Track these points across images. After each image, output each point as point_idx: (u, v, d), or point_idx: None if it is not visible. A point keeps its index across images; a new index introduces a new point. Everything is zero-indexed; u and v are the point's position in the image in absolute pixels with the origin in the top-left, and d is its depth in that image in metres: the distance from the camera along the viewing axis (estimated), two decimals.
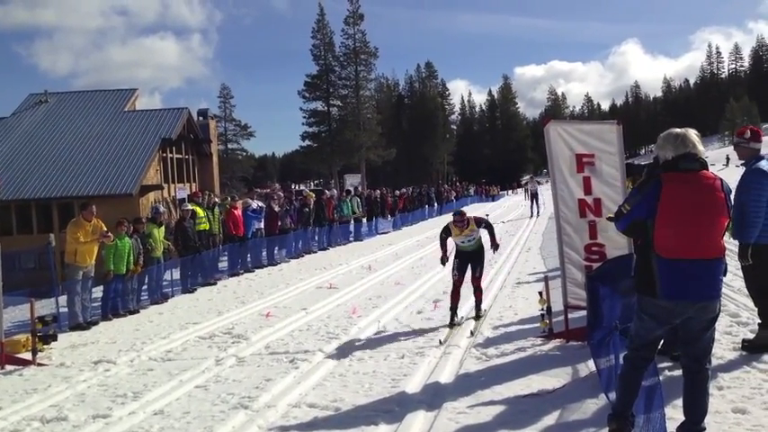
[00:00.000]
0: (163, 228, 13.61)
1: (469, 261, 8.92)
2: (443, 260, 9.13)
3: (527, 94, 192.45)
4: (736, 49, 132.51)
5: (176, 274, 14.23)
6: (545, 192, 29.70)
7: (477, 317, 8.90)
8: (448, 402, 5.51)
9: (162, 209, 14.33)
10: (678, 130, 4.12)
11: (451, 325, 8.49)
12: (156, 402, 6.26)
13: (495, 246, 9.32)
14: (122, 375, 7.46)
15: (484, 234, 9.12)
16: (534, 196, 31.00)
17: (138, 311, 11.92)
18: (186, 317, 10.87)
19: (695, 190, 3.96)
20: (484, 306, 9.28)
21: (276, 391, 6.28)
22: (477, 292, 9.03)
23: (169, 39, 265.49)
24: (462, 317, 8.91)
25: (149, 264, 12.69)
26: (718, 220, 3.99)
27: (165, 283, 13.62)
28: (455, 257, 9.01)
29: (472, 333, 8.12)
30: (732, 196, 4.31)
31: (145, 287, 12.84)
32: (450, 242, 9.11)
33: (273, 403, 5.89)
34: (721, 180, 4.07)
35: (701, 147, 4.07)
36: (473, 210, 42.58)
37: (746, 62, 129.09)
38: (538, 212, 29.40)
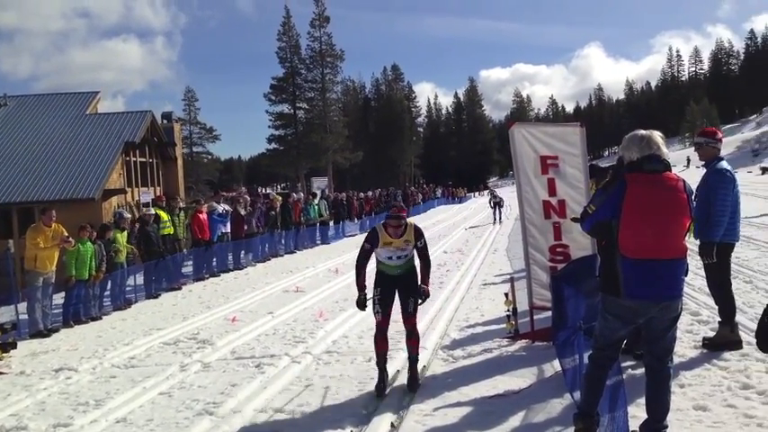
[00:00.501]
0: (126, 233, 13.41)
1: (398, 290, 6.24)
2: (361, 301, 6.34)
3: (492, 96, 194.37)
4: (696, 53, 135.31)
5: (140, 280, 14.04)
6: (509, 194, 29.74)
7: (413, 379, 6.04)
8: (414, 405, 5.51)
9: (126, 214, 14.14)
10: (643, 131, 4.17)
11: (380, 389, 5.94)
12: (118, 410, 6.16)
13: (423, 292, 6.12)
14: (84, 383, 7.32)
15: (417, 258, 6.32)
16: (498, 205, 29.39)
17: (101, 318, 11.72)
18: (150, 323, 10.72)
19: (659, 191, 4.02)
20: (450, 309, 9.25)
21: (242, 396, 6.22)
22: (412, 339, 6.16)
23: (132, 41, 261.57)
24: (396, 371, 6.54)
25: (112, 269, 12.49)
26: (681, 220, 4.05)
27: (128, 288, 13.43)
28: (376, 286, 6.32)
29: (393, 426, 5.19)
30: (693, 197, 4.38)
31: (107, 293, 12.65)
32: (371, 262, 6.42)
33: (239, 409, 5.82)
34: (684, 181, 4.13)
35: (665, 148, 4.13)
36: (439, 212, 42.74)
37: (706, 65, 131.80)
38: (500, 219, 28.29)
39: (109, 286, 12.63)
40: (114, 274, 12.59)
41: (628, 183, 4.00)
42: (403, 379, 6.34)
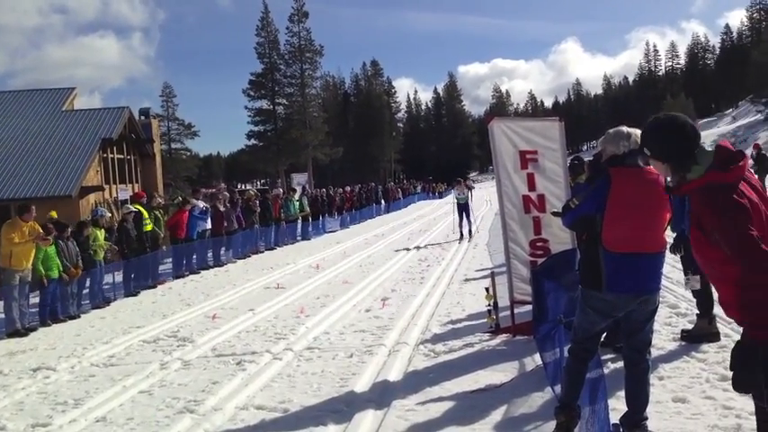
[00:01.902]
0: (103, 230, 13.28)
1: None
2: None
3: (471, 91, 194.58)
4: (673, 48, 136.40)
5: (119, 278, 13.91)
6: (489, 189, 28.69)
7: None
8: (397, 400, 5.51)
9: (106, 213, 14.01)
10: (626, 128, 4.23)
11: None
12: (98, 409, 6.09)
13: None
14: (63, 382, 7.24)
15: None
16: (464, 209, 19.37)
17: (79, 316, 11.60)
18: (129, 321, 10.63)
19: (642, 185, 4.06)
20: (431, 304, 9.35)
21: (223, 393, 6.18)
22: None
23: (109, 37, 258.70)
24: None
25: (90, 267, 12.36)
26: (662, 214, 4.09)
27: (106, 286, 13.30)
28: None
29: None
30: None
31: (86, 291, 12.52)
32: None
33: (220, 406, 5.79)
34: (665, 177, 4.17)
35: None
36: (419, 207, 42.84)
37: (682, 60, 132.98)
38: (470, 231, 19.28)
39: (87, 284, 12.50)
40: (93, 271, 12.46)
41: (612, 177, 4.03)
42: (385, 374, 6.36)
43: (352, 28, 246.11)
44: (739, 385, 2.58)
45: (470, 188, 42.23)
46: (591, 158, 5.41)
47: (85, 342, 9.20)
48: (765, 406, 2.72)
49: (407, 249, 17.57)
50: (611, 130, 4.28)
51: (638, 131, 4.14)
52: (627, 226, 3.98)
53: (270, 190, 26.15)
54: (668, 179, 3.09)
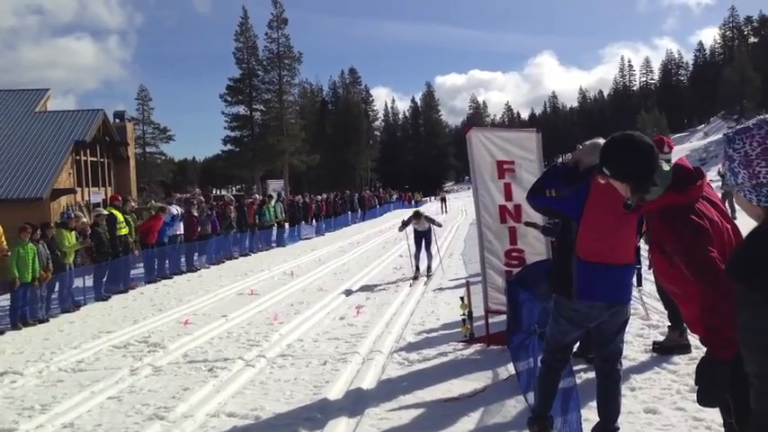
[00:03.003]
0: (74, 233, 13.10)
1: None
2: None
3: (448, 102, 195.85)
4: (647, 63, 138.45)
5: (89, 281, 13.71)
6: (466, 199, 28.05)
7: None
8: (370, 408, 5.48)
9: (79, 214, 13.82)
10: (602, 140, 4.24)
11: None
12: (65, 415, 5.99)
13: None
14: (30, 387, 7.11)
15: None
16: (423, 238, 14.23)
17: (48, 320, 11.41)
18: (99, 325, 10.47)
19: (618, 196, 4.08)
20: (406, 313, 9.35)
21: (194, 400, 6.11)
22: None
23: (86, 39, 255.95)
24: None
25: (60, 270, 12.17)
26: (635, 227, 4.12)
27: (76, 290, 13.10)
28: None
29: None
30: None
31: (55, 295, 12.32)
32: None
33: (191, 413, 5.72)
34: None
35: None
36: (395, 216, 42.86)
37: (656, 76, 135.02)
38: (429, 267, 14.25)
39: (57, 288, 12.30)
40: (62, 275, 12.27)
41: (592, 185, 4.05)
42: (358, 382, 6.33)
43: (331, 36, 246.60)
44: (703, 401, 2.61)
45: (443, 199, 42.57)
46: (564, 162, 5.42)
47: (54, 346, 9.04)
48: (732, 421, 2.75)
49: (381, 257, 17.57)
50: (587, 142, 4.30)
51: None
52: (601, 236, 4.00)
53: (245, 196, 25.95)
54: (628, 199, 3.10)
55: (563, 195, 4.19)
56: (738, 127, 1.70)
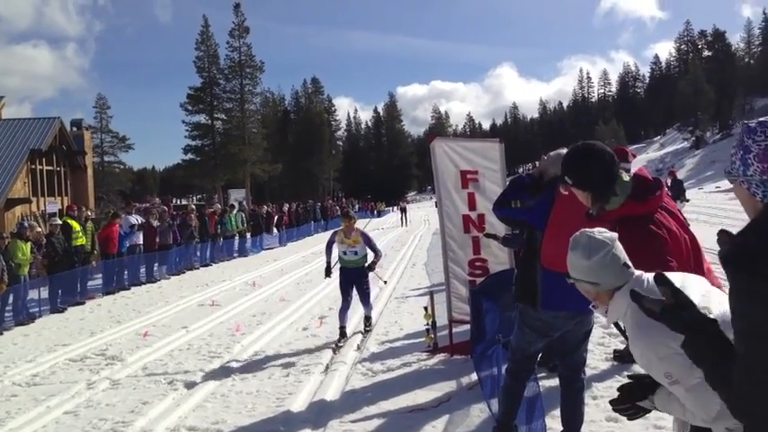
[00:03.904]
0: (29, 244, 12.78)
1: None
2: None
3: (410, 112, 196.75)
4: (605, 75, 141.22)
5: (44, 293, 13.38)
6: (424, 210, 28.05)
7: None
8: (334, 420, 5.43)
9: (37, 227, 13.50)
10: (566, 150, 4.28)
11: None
12: (19, 430, 5.84)
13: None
14: None
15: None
16: (354, 282, 8.84)
17: (1, 333, 11.10)
18: (55, 338, 10.22)
19: (582, 206, 4.11)
20: (372, 320, 9.33)
21: (153, 414, 5.98)
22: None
23: (42, 47, 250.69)
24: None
25: (14, 282, 11.85)
26: None
27: (31, 302, 12.77)
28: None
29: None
30: None
31: (9, 307, 11.97)
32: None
33: (150, 428, 5.60)
34: None
35: None
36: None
37: (614, 88, 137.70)
38: (367, 322, 9.33)
39: (10, 300, 11.97)
40: (16, 286, 11.95)
41: (557, 195, 4.07)
42: (322, 393, 6.27)
43: (294, 45, 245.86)
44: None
45: (404, 210, 41.97)
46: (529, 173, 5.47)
47: (7, 360, 8.79)
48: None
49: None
50: (552, 153, 4.33)
51: None
52: (566, 245, 4.02)
53: (206, 206, 25.67)
54: (589, 208, 3.13)
55: (527, 206, 4.22)
56: (762, 119, 1.71)
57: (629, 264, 2.42)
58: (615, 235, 2.48)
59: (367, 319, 9.40)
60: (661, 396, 2.34)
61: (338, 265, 8.98)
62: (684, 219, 3.21)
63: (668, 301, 1.75)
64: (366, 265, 8.95)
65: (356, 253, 8.77)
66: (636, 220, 2.94)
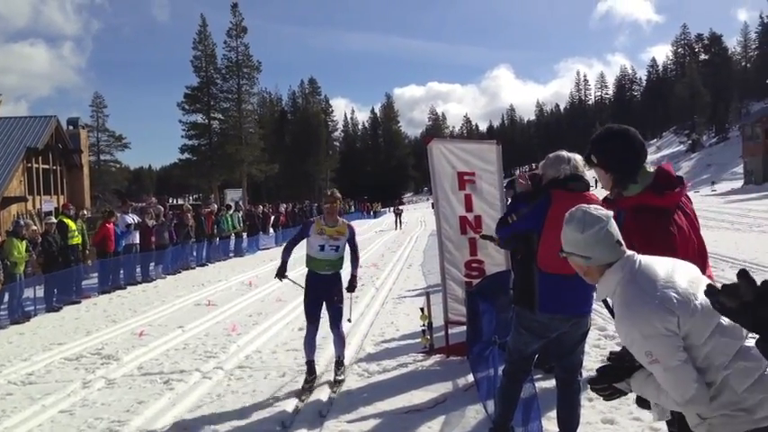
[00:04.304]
0: (25, 242, 12.75)
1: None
2: None
3: (407, 113, 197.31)
4: (602, 78, 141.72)
5: (40, 292, 13.35)
6: (420, 211, 27.81)
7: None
8: (329, 420, 5.44)
9: (32, 225, 13.47)
10: (567, 153, 4.30)
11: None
12: (14, 429, 5.82)
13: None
14: None
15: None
16: (325, 297, 6.66)
17: None
18: (50, 337, 10.19)
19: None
20: (366, 324, 9.28)
21: (149, 414, 5.98)
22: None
23: (39, 45, 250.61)
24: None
25: (9, 280, 11.82)
26: None
27: (26, 300, 12.74)
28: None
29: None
30: None
31: (4, 306, 11.95)
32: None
33: (146, 427, 5.60)
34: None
35: (585, 170, 4.27)
36: (354, 227, 42.75)
37: (611, 90, 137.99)
38: (340, 359, 6.86)
39: (6, 298, 11.94)
40: (11, 285, 11.92)
41: (553, 198, 4.09)
42: (317, 395, 6.27)
43: (291, 45, 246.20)
44: (642, 402, 2.68)
45: (398, 212, 41.38)
46: (531, 173, 5.48)
47: (3, 359, 8.77)
48: (674, 429, 2.82)
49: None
50: (551, 155, 4.35)
51: (577, 156, 4.23)
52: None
53: (203, 205, 25.63)
54: (608, 192, 3.16)
55: (523, 213, 4.24)
56: None
57: (622, 242, 2.44)
58: (611, 212, 2.50)
59: (338, 364, 6.83)
60: (638, 379, 2.40)
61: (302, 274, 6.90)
62: (698, 223, 3.22)
63: (747, 299, 1.73)
64: (346, 278, 6.75)
65: (337, 249, 6.60)
66: (649, 211, 2.95)
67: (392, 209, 49.71)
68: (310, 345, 6.65)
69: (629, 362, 2.42)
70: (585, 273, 2.50)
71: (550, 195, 4.10)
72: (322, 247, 6.57)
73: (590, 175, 4.31)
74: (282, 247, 6.82)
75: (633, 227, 2.93)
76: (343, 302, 6.73)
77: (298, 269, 7.88)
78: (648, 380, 2.32)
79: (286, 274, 6.76)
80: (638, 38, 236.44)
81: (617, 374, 2.48)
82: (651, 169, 3.12)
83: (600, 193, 3.61)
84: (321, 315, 6.62)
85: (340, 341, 6.81)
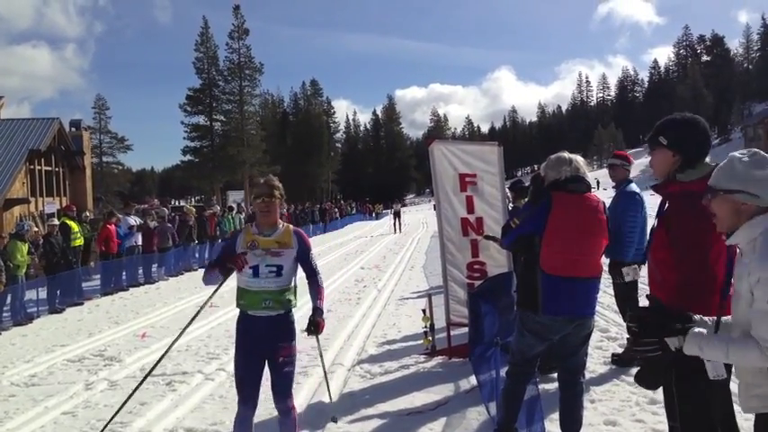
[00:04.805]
0: (27, 245, 12.77)
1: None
2: None
3: (409, 115, 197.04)
4: (604, 79, 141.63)
5: (42, 294, 13.37)
6: (422, 212, 27.70)
7: None
8: (331, 422, 5.42)
9: (31, 224, 13.48)
10: (568, 154, 4.31)
11: None
12: (17, 431, 5.82)
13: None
14: None
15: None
16: (272, 360, 4.56)
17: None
18: (53, 339, 10.21)
19: (582, 211, 4.14)
20: (368, 325, 9.24)
21: (151, 415, 5.98)
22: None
23: (42, 47, 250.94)
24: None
25: (12, 282, 11.84)
26: (600, 241, 4.18)
27: (29, 302, 12.75)
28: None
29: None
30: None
31: (7, 307, 11.97)
32: None
33: (148, 429, 5.61)
34: (603, 203, 4.29)
35: (587, 171, 4.28)
36: (356, 228, 42.74)
37: (613, 92, 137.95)
38: None
39: (8, 300, 11.96)
40: (14, 287, 11.94)
41: (553, 201, 4.10)
42: (319, 396, 6.27)
43: (293, 47, 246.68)
44: (640, 379, 2.68)
45: (398, 214, 40.72)
46: (534, 174, 5.49)
47: (5, 360, 8.79)
48: (676, 425, 2.82)
49: (343, 269, 17.48)
50: (552, 156, 4.36)
51: (579, 157, 4.24)
52: (565, 250, 4.05)
53: (205, 207, 25.65)
54: (656, 177, 3.22)
55: (524, 216, 4.25)
56: None
57: None
58: None
59: None
60: (696, 337, 2.37)
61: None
62: None
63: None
64: (306, 317, 4.67)
65: (278, 272, 4.42)
66: (700, 196, 3.01)
67: (391, 209, 43.70)
68: (242, 429, 4.42)
69: (655, 321, 2.44)
70: (734, 213, 2.42)
71: (551, 198, 4.11)
72: (255, 271, 4.36)
73: (591, 176, 4.33)
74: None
75: (681, 209, 3.07)
76: (295, 363, 4.38)
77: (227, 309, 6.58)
78: (711, 338, 2.34)
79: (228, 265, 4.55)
80: (640, 39, 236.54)
81: (669, 328, 2.43)
82: (709, 161, 3.19)
83: (600, 193, 3.62)
84: (262, 383, 4.45)
85: (289, 421, 4.43)
